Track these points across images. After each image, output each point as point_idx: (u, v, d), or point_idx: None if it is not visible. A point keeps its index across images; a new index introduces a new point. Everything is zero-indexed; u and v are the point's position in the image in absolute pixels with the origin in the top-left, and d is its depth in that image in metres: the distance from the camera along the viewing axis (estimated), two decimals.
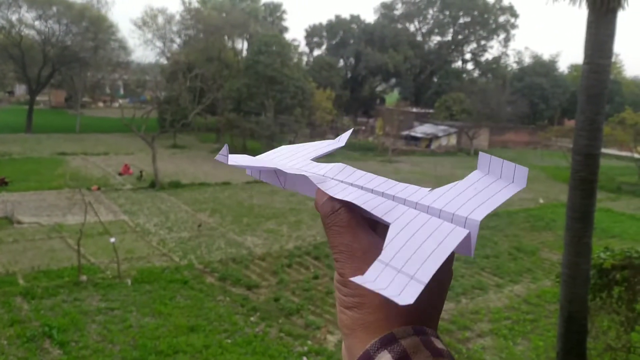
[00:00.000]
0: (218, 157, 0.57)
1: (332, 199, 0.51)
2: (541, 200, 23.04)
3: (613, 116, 28.61)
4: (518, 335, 10.60)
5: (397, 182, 0.51)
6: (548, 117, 47.31)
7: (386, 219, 0.46)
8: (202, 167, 26.83)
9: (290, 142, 29.16)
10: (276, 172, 0.60)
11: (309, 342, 9.67)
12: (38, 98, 42.08)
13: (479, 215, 0.43)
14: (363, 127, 42.47)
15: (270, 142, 29.74)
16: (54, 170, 23.52)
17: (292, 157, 0.62)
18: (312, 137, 34.62)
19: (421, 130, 40.06)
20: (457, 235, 0.42)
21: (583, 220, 7.09)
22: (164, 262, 13.06)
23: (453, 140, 39.99)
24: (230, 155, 0.58)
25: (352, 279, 0.42)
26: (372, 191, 0.51)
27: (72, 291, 11.01)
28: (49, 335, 9.19)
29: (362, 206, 0.48)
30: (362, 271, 0.45)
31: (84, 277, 11.53)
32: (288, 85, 32.12)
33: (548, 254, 15.75)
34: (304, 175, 0.55)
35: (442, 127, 39.91)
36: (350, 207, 0.50)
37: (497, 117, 39.59)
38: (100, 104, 53.51)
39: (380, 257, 0.41)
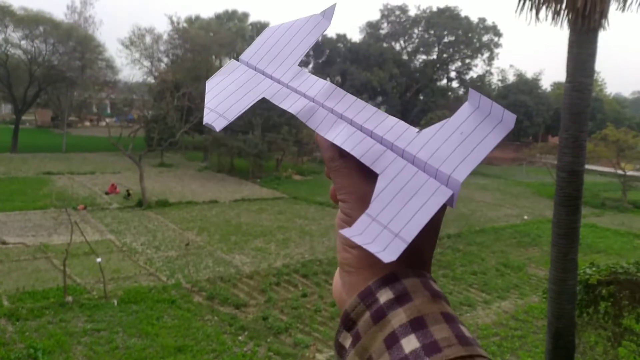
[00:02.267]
0: (209, 125, 0.55)
1: (333, 144, 0.51)
2: (525, 217, 23.24)
3: (595, 133, 29.08)
4: (507, 352, 10.62)
5: (387, 116, 0.51)
6: (532, 134, 47.93)
7: (375, 168, 0.47)
8: (190, 185, 26.73)
9: (278, 160, 29.05)
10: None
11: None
12: (24, 117, 41.80)
13: (461, 174, 0.44)
14: None
15: (258, 160, 29.77)
16: (39, 189, 23.29)
17: (279, 57, 0.59)
18: (300, 155, 34.74)
19: None
20: (442, 194, 0.43)
21: (569, 236, 7.18)
22: (151, 282, 12.93)
23: None
24: (210, 109, 0.56)
25: (340, 231, 0.44)
26: (361, 128, 0.50)
27: (58, 312, 10.85)
28: (34, 357, 9.03)
29: (352, 152, 0.48)
30: (355, 185, 0.49)
31: (69, 298, 11.38)
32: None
33: (535, 270, 15.86)
34: (296, 98, 0.54)
35: None
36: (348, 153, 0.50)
37: None
38: (87, 123, 53.27)
39: (368, 211, 0.43)
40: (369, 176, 0.49)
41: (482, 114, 0.47)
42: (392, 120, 0.50)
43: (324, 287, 13.26)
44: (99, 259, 12.29)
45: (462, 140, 0.45)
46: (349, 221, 0.50)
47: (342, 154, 0.51)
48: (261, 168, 30.52)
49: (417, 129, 0.48)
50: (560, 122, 7.42)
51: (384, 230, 0.40)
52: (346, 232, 0.42)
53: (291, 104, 0.54)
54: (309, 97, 0.54)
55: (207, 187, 26.46)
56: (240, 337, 10.41)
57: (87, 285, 12.38)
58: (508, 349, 10.73)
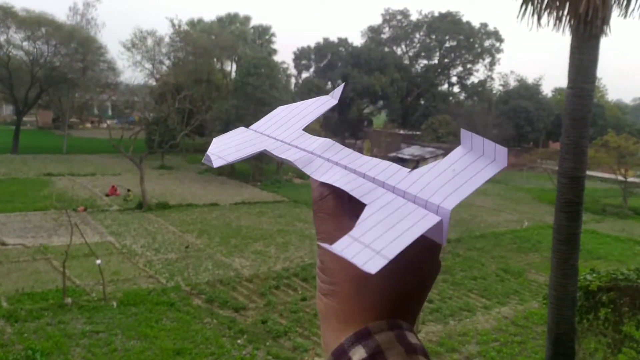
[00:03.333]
0: (208, 162, 0.59)
1: (322, 184, 0.53)
2: (526, 223, 23.21)
3: (596, 139, 29.07)
4: (506, 358, 10.59)
5: (380, 161, 0.53)
6: (533, 140, 47.92)
7: (364, 200, 0.48)
8: (190, 188, 26.73)
9: (278, 163, 29.00)
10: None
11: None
12: (25, 118, 41.84)
13: (451, 203, 0.44)
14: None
15: (259, 164, 29.77)
16: (40, 191, 23.30)
17: (286, 125, 0.64)
18: None
19: (408, 152, 40.35)
20: (429, 220, 0.43)
21: (569, 242, 7.17)
22: (151, 284, 12.91)
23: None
24: (212, 153, 0.60)
25: (320, 243, 0.45)
26: (354, 171, 0.52)
27: (57, 314, 10.82)
28: (33, 359, 9.00)
29: (343, 188, 0.50)
30: (339, 260, 0.46)
31: (68, 300, 11.36)
32: (276, 107, 32.27)
33: (535, 276, 15.83)
34: (295, 151, 0.58)
35: (429, 149, 40.23)
36: (338, 195, 0.52)
37: None
38: (88, 125, 53.32)
39: (350, 233, 0.42)
40: (350, 223, 0.48)
41: (475, 154, 0.49)
42: (385, 163, 0.52)
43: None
44: (98, 261, 12.27)
45: (453, 176, 0.47)
46: (322, 268, 0.52)
47: (328, 198, 0.53)
48: (262, 171, 30.52)
49: (408, 169, 0.50)
50: (562, 128, 7.42)
51: (366, 248, 0.40)
52: (326, 246, 0.42)
53: (290, 155, 0.58)
54: (307, 151, 0.58)
55: (208, 190, 26.46)
56: (239, 341, 10.38)
57: (87, 287, 12.36)
58: (507, 354, 10.69)
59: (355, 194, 0.49)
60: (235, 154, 0.60)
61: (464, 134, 0.50)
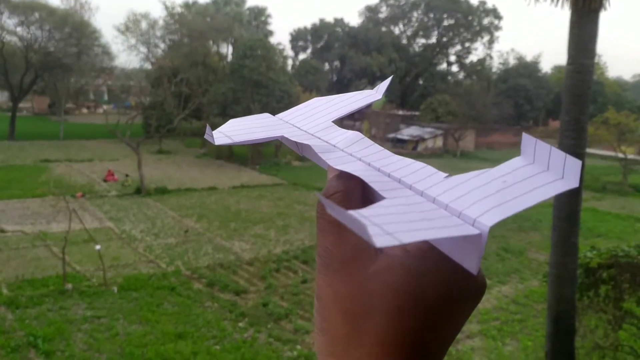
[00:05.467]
0: (209, 137, 0.50)
1: (337, 178, 0.42)
2: None
3: (596, 116, 28.95)
4: (507, 336, 10.64)
5: (413, 161, 0.42)
6: (533, 118, 47.77)
7: (384, 195, 0.38)
8: (188, 172, 26.66)
9: (277, 146, 29.02)
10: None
11: (298, 347, 9.61)
12: (21, 105, 41.59)
13: (492, 219, 0.32)
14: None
15: (257, 146, 29.65)
16: (37, 177, 23.22)
17: (315, 116, 0.55)
18: None
19: (407, 132, 40.23)
20: (463, 229, 0.32)
21: (569, 220, 7.13)
22: (151, 269, 12.92)
23: (439, 142, 40.19)
24: (219, 131, 0.52)
25: (319, 195, 0.34)
26: (379, 169, 0.42)
27: (58, 300, 10.84)
28: (34, 345, 9.03)
29: (362, 177, 0.40)
30: (333, 288, 0.37)
31: (69, 286, 11.36)
32: (274, 89, 32.05)
33: (535, 254, 15.86)
34: (317, 141, 0.49)
35: (429, 129, 40.10)
36: (348, 195, 0.41)
37: (483, 119, 39.87)
38: (84, 110, 53.03)
39: (359, 210, 0.31)
40: (355, 237, 0.38)
41: (537, 167, 0.36)
42: (418, 165, 0.42)
43: None
44: (98, 247, 12.26)
45: (502, 189, 0.35)
46: (316, 294, 0.40)
47: (335, 197, 0.41)
48: (260, 154, 30.43)
49: (445, 174, 0.39)
50: (562, 105, 7.34)
51: (374, 226, 0.30)
52: (324, 201, 0.31)
53: (309, 142, 0.49)
54: (330, 144, 0.49)
55: (206, 174, 26.39)
56: (240, 324, 10.41)
57: (87, 273, 12.36)
58: (508, 333, 10.74)
59: (375, 186, 0.39)
60: (245, 135, 0.52)
61: (526, 140, 0.37)
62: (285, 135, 0.50)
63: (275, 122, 0.56)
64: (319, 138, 0.50)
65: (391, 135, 39.30)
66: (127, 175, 22.88)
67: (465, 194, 0.35)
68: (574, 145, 6.97)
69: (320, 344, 0.40)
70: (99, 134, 36.11)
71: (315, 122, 0.54)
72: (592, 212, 21.17)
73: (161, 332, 9.75)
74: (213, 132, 0.51)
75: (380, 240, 0.28)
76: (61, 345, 9.14)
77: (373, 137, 37.79)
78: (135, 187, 21.43)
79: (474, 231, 0.32)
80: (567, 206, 7.07)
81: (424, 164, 0.41)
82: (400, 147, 38.61)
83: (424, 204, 0.36)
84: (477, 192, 0.35)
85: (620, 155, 28.20)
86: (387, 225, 0.31)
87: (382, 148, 0.47)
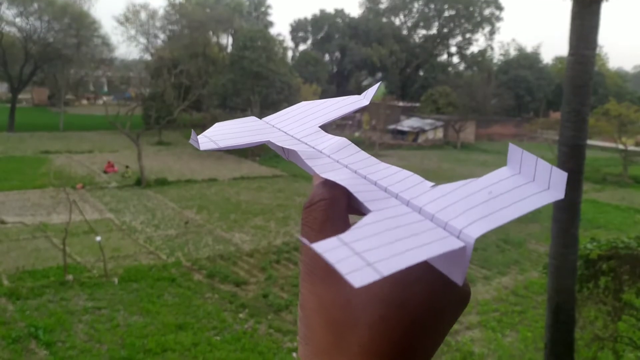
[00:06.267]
0: (194, 143, 0.49)
1: (322, 185, 0.41)
2: None
3: (597, 108, 28.88)
4: (506, 327, 10.67)
5: (400, 170, 0.42)
6: (533, 109, 47.67)
7: (370, 206, 0.37)
8: (188, 164, 26.65)
9: None
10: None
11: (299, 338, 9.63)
12: (20, 96, 41.49)
13: (477, 230, 0.33)
14: (349, 122, 42.41)
15: None
16: (37, 168, 23.21)
17: (302, 120, 0.55)
18: None
19: (408, 124, 40.14)
20: (448, 243, 0.32)
21: (570, 211, 7.12)
22: (151, 260, 12.94)
23: (440, 133, 40.13)
24: (205, 135, 0.51)
25: (300, 237, 0.34)
26: (365, 177, 0.42)
27: (58, 291, 10.86)
28: (35, 336, 9.06)
29: (347, 187, 0.39)
30: (317, 297, 0.36)
31: (70, 277, 11.39)
32: (274, 81, 31.97)
33: (535, 246, 15.88)
34: (303, 147, 0.49)
35: (429, 121, 40.02)
36: (332, 204, 0.40)
37: (483, 110, 39.81)
38: (84, 102, 52.90)
39: (341, 235, 0.31)
40: None
41: (523, 178, 0.37)
42: (405, 173, 0.41)
43: None
44: (98, 238, 12.27)
45: (487, 199, 0.35)
46: (301, 303, 0.39)
47: (319, 205, 0.40)
48: (260, 146, 30.35)
49: (431, 184, 0.39)
50: (563, 96, 7.31)
51: (355, 256, 0.29)
52: (305, 241, 0.32)
53: (295, 148, 0.49)
54: (316, 149, 0.49)
55: (206, 166, 26.37)
56: (240, 315, 10.44)
57: (87, 264, 12.38)
58: (508, 324, 10.77)
59: (361, 197, 0.38)
60: (231, 140, 0.51)
61: (513, 150, 0.38)
62: (272, 140, 0.50)
63: (261, 126, 0.55)
64: (306, 143, 0.50)
65: (391, 127, 39.21)
66: (127, 167, 22.88)
67: (451, 204, 0.35)
68: (574, 136, 6.95)
69: (303, 354, 0.39)
70: (98, 126, 36.06)
71: (302, 127, 0.53)
72: (592, 204, 21.17)
73: (162, 323, 9.78)
74: (198, 136, 0.50)
75: (357, 277, 0.27)
76: (62, 336, 9.17)
77: (373, 129, 37.73)
78: (136, 179, 21.42)
79: (459, 244, 0.32)
80: (567, 197, 7.04)
81: (411, 173, 0.41)
82: (400, 138, 38.55)
83: (410, 215, 0.35)
84: (463, 202, 0.35)
85: (621, 146, 28.16)
86: (369, 253, 0.29)
87: (369, 155, 0.46)
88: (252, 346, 9.24)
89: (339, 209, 0.40)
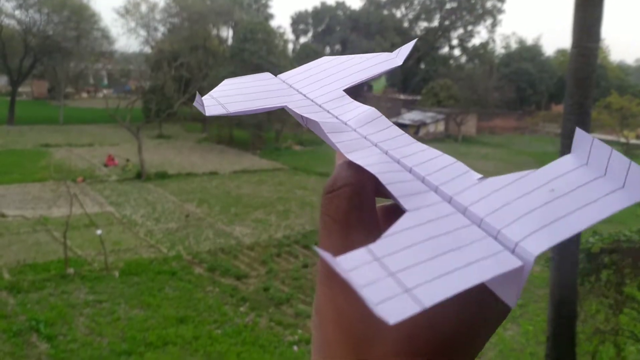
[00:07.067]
0: (199, 106, 0.42)
1: (347, 166, 0.34)
2: None
3: (599, 101, 28.79)
4: (508, 321, 10.64)
5: (440, 153, 0.34)
6: (535, 102, 47.52)
7: (404, 203, 0.30)
8: (189, 157, 26.60)
9: (278, 131, 28.97)
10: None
11: (300, 331, 9.64)
12: (20, 89, 41.39)
13: (539, 245, 0.25)
14: None
15: (258, 131, 29.57)
16: (37, 162, 23.18)
17: (326, 79, 0.46)
18: (299, 126, 34.40)
19: (409, 117, 40.04)
20: (504, 263, 0.25)
21: None
22: (152, 254, 12.94)
23: (441, 126, 40.04)
24: (211, 96, 0.44)
25: (318, 249, 0.25)
26: (398, 161, 0.34)
27: (59, 284, 10.86)
28: (36, 329, 9.06)
29: (378, 175, 0.32)
30: (336, 305, 0.30)
31: (70, 270, 11.38)
32: (274, 73, 31.83)
33: None
34: (326, 116, 0.41)
35: (430, 114, 39.91)
36: (358, 190, 0.33)
37: (485, 103, 39.68)
38: (84, 95, 52.76)
39: (370, 246, 0.25)
40: (365, 241, 0.29)
41: (592, 171, 0.29)
42: (446, 159, 0.34)
43: None
44: (99, 231, 12.26)
45: (549, 200, 0.27)
46: (317, 307, 0.33)
47: (342, 192, 0.33)
48: (261, 139, 30.33)
49: (479, 175, 0.32)
50: (565, 89, 7.26)
51: (389, 278, 0.23)
52: (327, 257, 0.23)
53: (317, 117, 0.40)
54: (340, 120, 0.40)
55: (207, 159, 26.34)
56: (241, 308, 10.44)
57: (88, 258, 12.38)
58: (509, 317, 10.64)
59: (394, 190, 0.31)
60: (242, 104, 0.43)
61: (580, 136, 0.30)
62: (289, 106, 0.43)
63: (277, 86, 0.48)
64: (328, 111, 0.42)
65: (392, 120, 38.69)
66: (127, 160, 22.84)
67: (504, 206, 0.28)
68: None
69: (313, 340, 0.35)
70: (99, 119, 35.98)
71: (324, 90, 0.45)
72: None
73: (162, 317, 9.78)
74: (203, 98, 0.43)
75: (390, 311, 0.21)
76: (63, 329, 9.17)
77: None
78: (136, 172, 21.39)
79: (515, 263, 0.25)
80: None
81: (454, 159, 0.34)
82: None
83: (454, 217, 0.28)
84: (518, 203, 0.28)
85: (622, 140, 28.11)
86: (407, 274, 0.23)
87: (403, 132, 0.38)
88: (252, 339, 9.24)
89: (367, 196, 0.34)
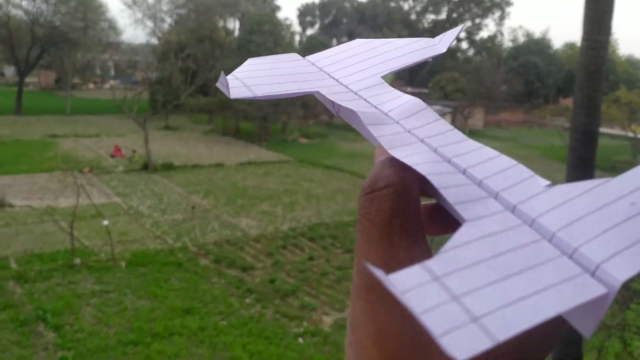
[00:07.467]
0: (222, 87, 0.37)
1: (390, 164, 0.29)
2: None
3: (608, 94, 28.55)
4: None
5: (498, 154, 0.29)
6: (543, 96, 47.21)
7: (462, 212, 0.25)
8: (195, 148, 26.63)
9: (284, 123, 28.98)
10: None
11: (305, 324, 9.66)
12: (27, 80, 41.51)
13: (624, 269, 0.20)
14: None
15: (264, 123, 29.54)
16: (45, 152, 23.27)
17: (360, 64, 0.41)
18: (306, 118, 34.45)
19: None
20: (586, 289, 0.20)
21: None
22: (158, 245, 12.98)
23: (448, 119, 39.54)
24: (236, 77, 0.38)
25: (367, 264, 0.21)
26: (450, 161, 0.29)
27: (66, 274, 10.92)
28: (43, 318, 9.12)
29: (429, 177, 0.27)
30: (376, 322, 0.27)
31: (77, 260, 11.44)
32: None
33: None
34: (363, 105, 0.36)
35: (437, 107, 39.64)
36: (404, 192, 0.28)
37: (492, 97, 39.42)
38: (91, 85, 52.88)
39: (428, 263, 0.20)
40: (410, 249, 0.27)
41: None
42: (506, 161, 0.29)
43: (330, 250, 13.27)
44: (105, 222, 12.30)
45: (630, 216, 0.23)
46: (354, 323, 0.28)
47: (385, 194, 0.28)
48: (267, 131, 30.31)
49: (547, 182, 0.27)
50: (575, 83, 7.19)
51: (453, 302, 0.19)
52: (380, 274, 0.19)
53: (353, 106, 0.36)
54: (380, 110, 0.36)
55: (213, 151, 26.36)
56: (247, 300, 10.47)
57: (95, 248, 12.43)
58: None
59: (448, 195, 0.26)
60: (271, 87, 0.38)
61: None
62: (321, 92, 0.38)
63: (306, 69, 0.42)
64: (365, 100, 0.37)
65: None
66: (134, 151, 22.89)
67: (578, 219, 0.23)
68: (587, 123, 6.85)
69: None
70: (106, 110, 36.05)
71: (359, 76, 0.40)
72: None
73: (169, 308, 9.82)
74: (227, 77, 0.38)
75: (456, 345, 0.17)
76: (70, 319, 9.23)
77: None
78: (142, 163, 21.44)
79: (600, 290, 0.20)
80: None
81: (515, 162, 0.29)
82: None
83: (520, 230, 0.24)
84: (595, 217, 0.23)
85: (631, 134, 27.91)
86: (474, 299, 0.19)
87: (452, 127, 0.33)
88: (258, 331, 9.27)
89: (413, 199, 0.29)
